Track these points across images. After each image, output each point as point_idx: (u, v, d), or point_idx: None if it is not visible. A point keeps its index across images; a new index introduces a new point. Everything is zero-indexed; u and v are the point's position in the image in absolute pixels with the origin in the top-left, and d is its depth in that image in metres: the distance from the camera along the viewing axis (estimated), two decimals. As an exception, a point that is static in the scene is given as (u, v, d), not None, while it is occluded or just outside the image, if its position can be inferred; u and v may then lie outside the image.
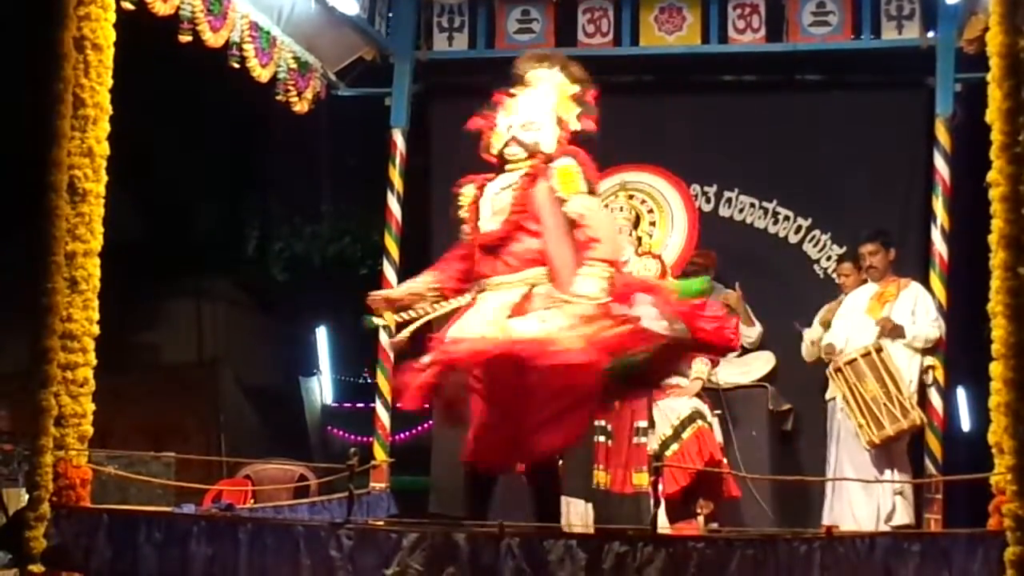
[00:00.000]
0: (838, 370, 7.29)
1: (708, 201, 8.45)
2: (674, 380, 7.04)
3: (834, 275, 8.10)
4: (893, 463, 7.25)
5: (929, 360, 7.46)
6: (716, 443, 7.05)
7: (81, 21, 5.37)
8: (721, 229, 8.22)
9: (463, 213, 5.55)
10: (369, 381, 10.16)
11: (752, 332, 7.88)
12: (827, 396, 7.61)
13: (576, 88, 5.55)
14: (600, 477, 6.82)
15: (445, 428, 5.40)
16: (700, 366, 7.05)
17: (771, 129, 8.42)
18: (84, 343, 5.34)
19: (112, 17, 5.51)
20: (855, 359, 7.20)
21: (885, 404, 7.06)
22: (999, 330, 4.84)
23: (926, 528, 7.10)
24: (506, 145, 5.43)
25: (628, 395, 5.59)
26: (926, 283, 7.58)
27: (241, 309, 13.30)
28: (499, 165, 5.52)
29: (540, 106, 5.46)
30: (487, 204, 5.43)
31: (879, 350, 7.17)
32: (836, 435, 7.51)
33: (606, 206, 7.06)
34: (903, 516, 7.18)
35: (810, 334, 7.75)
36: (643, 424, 6.72)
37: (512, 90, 5.61)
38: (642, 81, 8.68)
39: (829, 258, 8.30)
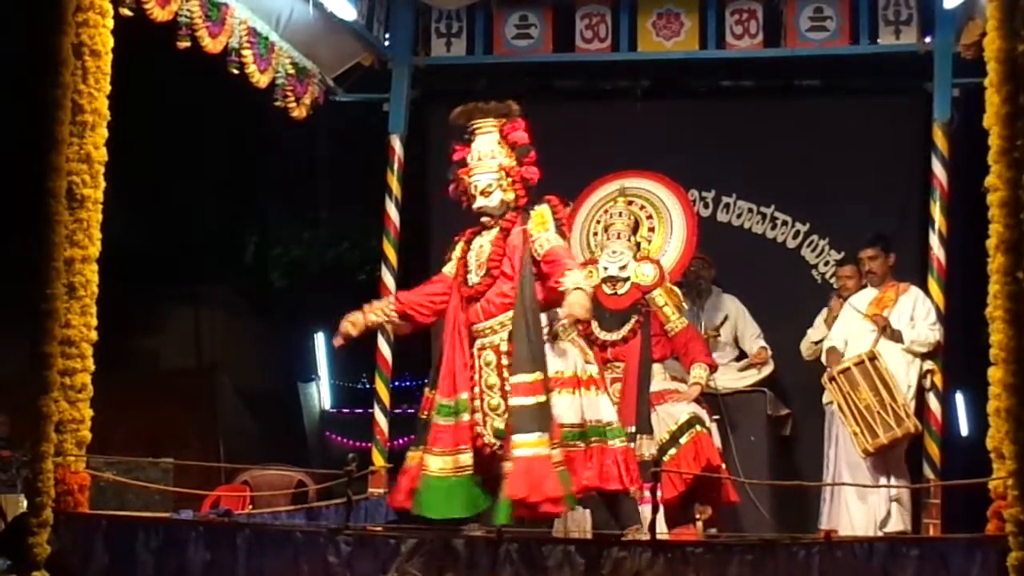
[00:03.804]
0: (832, 379, 7.27)
1: (706, 206, 8.46)
2: (673, 385, 7.04)
3: (832, 280, 8.10)
4: (890, 470, 7.24)
5: (928, 365, 7.45)
6: (714, 448, 7.01)
7: (79, 27, 5.38)
8: (719, 234, 8.23)
9: (450, 264, 5.77)
10: (368, 387, 10.14)
11: (756, 343, 7.90)
12: (825, 401, 7.61)
13: (504, 130, 5.65)
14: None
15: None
16: (699, 371, 7.00)
17: (769, 134, 8.43)
18: (82, 349, 5.34)
19: (110, 23, 5.52)
20: (849, 368, 7.18)
21: (879, 412, 7.03)
22: (998, 334, 4.85)
23: (924, 533, 7.09)
24: (478, 209, 5.66)
25: None
26: (924, 288, 7.57)
27: (239, 315, 13.29)
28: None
29: (489, 164, 5.61)
30: (472, 258, 5.68)
31: (873, 358, 7.14)
32: (834, 440, 7.50)
33: (605, 212, 7.10)
34: (897, 523, 7.16)
35: (813, 334, 7.78)
36: (631, 429, 6.66)
37: (465, 139, 5.74)
38: (640, 86, 8.69)
39: (827, 263, 8.31)
